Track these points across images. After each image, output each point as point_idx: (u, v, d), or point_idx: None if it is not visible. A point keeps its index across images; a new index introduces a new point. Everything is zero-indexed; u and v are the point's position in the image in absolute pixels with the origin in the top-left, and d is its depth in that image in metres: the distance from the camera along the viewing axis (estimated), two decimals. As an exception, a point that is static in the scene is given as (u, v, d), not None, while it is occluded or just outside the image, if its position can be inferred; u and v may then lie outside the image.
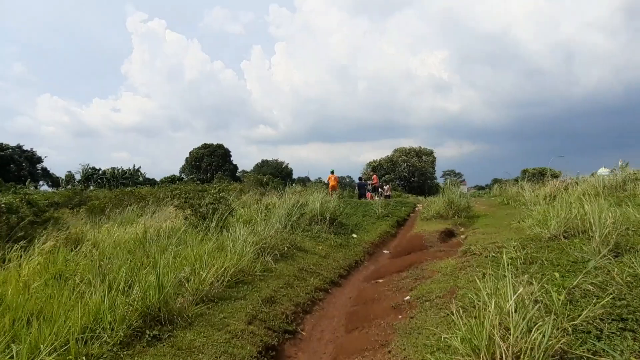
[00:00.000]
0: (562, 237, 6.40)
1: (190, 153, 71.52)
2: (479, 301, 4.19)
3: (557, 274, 4.19)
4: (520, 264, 5.44)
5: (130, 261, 6.11)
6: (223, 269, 5.43)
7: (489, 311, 3.42)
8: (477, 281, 5.21)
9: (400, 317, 4.76)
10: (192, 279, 4.98)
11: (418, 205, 18.16)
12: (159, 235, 8.39)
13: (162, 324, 3.93)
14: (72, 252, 6.11)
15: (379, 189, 21.81)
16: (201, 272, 5.15)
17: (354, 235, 10.62)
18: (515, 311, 3.40)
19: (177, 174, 69.14)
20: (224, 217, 9.58)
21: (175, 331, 3.91)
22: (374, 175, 24.43)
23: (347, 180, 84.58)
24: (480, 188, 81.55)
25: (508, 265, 5.77)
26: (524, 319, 3.08)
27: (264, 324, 4.40)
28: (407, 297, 5.19)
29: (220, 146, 71.63)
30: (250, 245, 6.62)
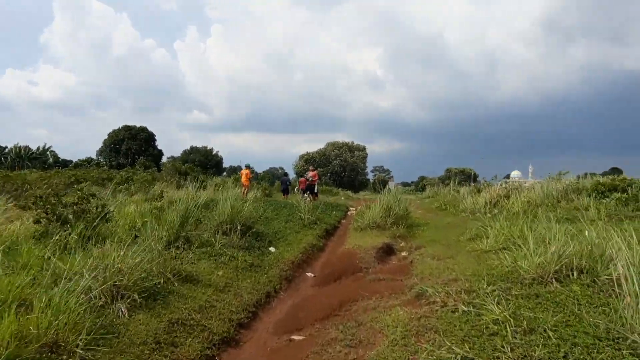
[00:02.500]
0: (552, 279, 4.58)
1: (109, 134, 65.19)
2: None
3: None
4: (512, 333, 3.47)
5: None
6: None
7: None
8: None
9: None
10: None
11: (350, 208, 16.23)
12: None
13: None
14: None
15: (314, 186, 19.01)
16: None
17: (272, 250, 8.30)
18: None
19: (94, 156, 62.76)
20: (94, 224, 6.86)
21: None
22: (313, 171, 19.56)
23: (279, 172, 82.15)
24: (406, 185, 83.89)
25: (494, 335, 3.83)
26: None
27: None
28: (337, 403, 2.97)
29: (143, 129, 66.00)
30: (94, 284, 4.06)
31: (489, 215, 13.26)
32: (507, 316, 3.73)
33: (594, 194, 12.65)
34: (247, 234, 8.32)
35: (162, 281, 4.99)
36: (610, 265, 4.53)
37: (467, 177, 57.41)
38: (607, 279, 4.35)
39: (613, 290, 4.20)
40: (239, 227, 8.30)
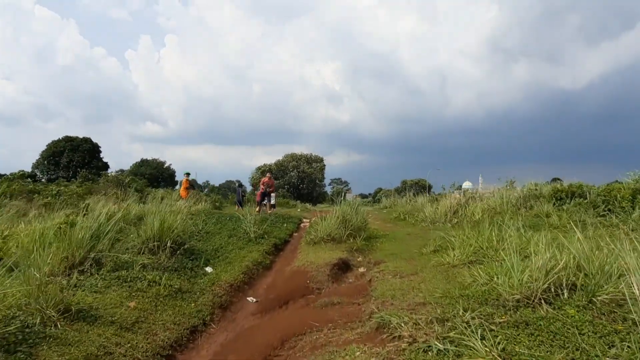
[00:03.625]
0: (541, 300, 3.71)
1: (47, 145, 60.89)
2: None
3: None
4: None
5: None
6: None
7: None
8: None
9: None
10: None
11: (304, 220, 15.10)
12: None
13: None
14: None
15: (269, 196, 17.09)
16: None
17: (209, 270, 7.06)
18: None
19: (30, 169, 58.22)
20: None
21: None
22: (266, 177, 17.20)
23: (236, 184, 79.57)
24: (364, 196, 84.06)
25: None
26: None
27: None
28: None
29: (86, 140, 62.15)
30: None
31: (449, 224, 12.64)
32: (497, 357, 2.79)
33: (552, 200, 12.34)
34: (178, 252, 7.06)
35: (37, 322, 3.69)
36: (608, 281, 3.75)
37: (422, 188, 57.97)
38: (606, 299, 3.55)
39: (615, 312, 3.40)
40: (168, 245, 7.03)
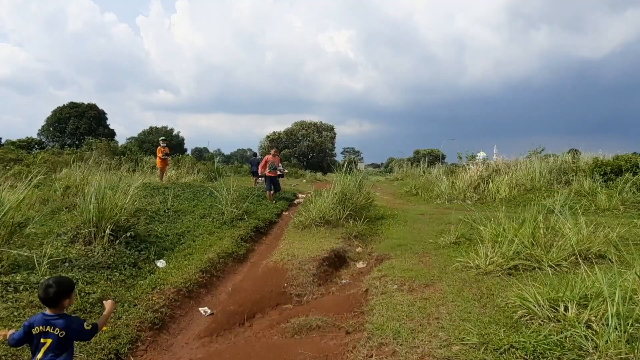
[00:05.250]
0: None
1: (52, 112, 59.82)
2: None
3: None
4: None
5: None
6: None
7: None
8: None
9: None
10: None
11: (300, 195, 13.28)
12: None
13: None
14: None
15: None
16: None
17: (160, 265, 5.43)
18: None
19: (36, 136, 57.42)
20: None
21: None
22: (271, 154, 12.46)
23: (248, 153, 77.85)
24: (376, 166, 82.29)
25: None
26: None
27: None
28: None
29: (92, 107, 60.96)
30: None
31: (470, 202, 10.82)
32: None
33: (595, 175, 10.37)
34: (120, 240, 5.41)
35: None
36: None
37: (436, 158, 55.79)
38: None
39: None
40: (107, 231, 5.38)
